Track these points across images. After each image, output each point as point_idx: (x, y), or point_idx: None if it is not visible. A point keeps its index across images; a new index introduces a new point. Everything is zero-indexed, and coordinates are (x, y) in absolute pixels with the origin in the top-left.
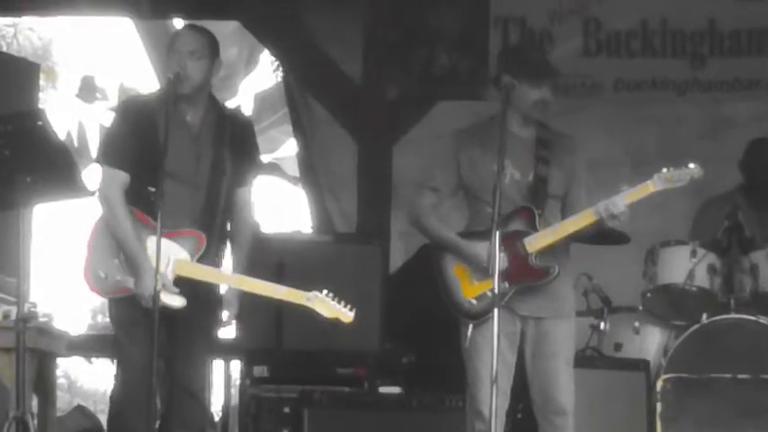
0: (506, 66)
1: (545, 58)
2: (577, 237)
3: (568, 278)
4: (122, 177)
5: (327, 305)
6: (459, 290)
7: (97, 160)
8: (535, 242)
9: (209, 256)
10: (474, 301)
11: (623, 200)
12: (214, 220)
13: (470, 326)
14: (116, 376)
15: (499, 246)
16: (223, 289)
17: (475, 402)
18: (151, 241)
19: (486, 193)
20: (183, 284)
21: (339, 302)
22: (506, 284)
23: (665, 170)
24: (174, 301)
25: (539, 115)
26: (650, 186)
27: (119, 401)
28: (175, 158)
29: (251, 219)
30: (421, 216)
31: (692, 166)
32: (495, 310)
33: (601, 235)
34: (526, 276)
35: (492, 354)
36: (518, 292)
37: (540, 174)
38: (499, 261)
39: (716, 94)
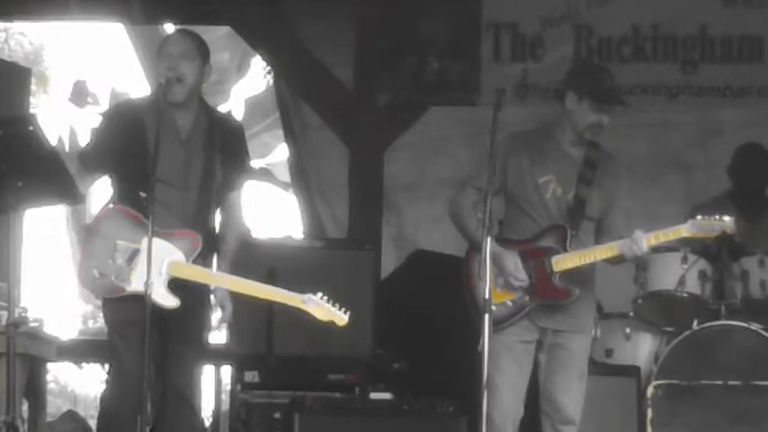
0: (574, 82)
1: (615, 84)
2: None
3: (591, 298)
4: (90, 179)
5: (322, 308)
6: (483, 293)
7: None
8: (561, 262)
9: (202, 259)
10: (494, 308)
11: (648, 242)
12: (206, 223)
13: None
14: (108, 378)
15: (526, 256)
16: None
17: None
18: (147, 242)
19: (528, 205)
20: (177, 287)
21: (333, 305)
22: (527, 298)
23: (699, 217)
24: (168, 301)
25: (591, 137)
26: (682, 230)
27: (111, 403)
28: (164, 163)
29: (240, 221)
30: (460, 214)
31: (726, 218)
32: (486, 317)
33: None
34: (547, 294)
35: (507, 358)
36: (539, 305)
37: (580, 194)
38: (519, 269)
39: (707, 100)
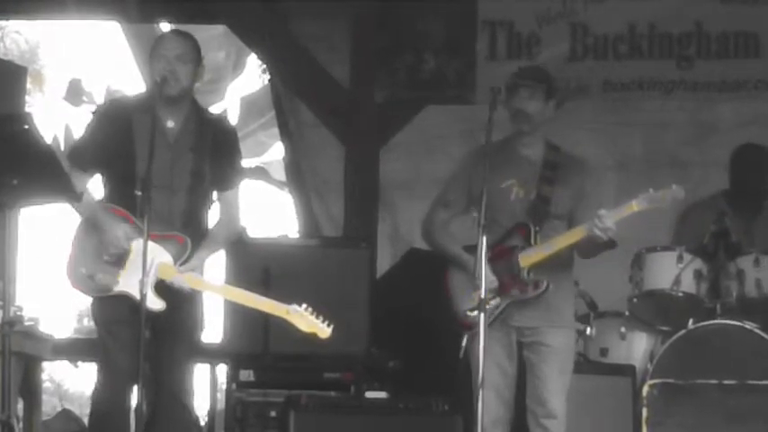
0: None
1: (529, 68)
2: (579, 252)
3: (567, 291)
4: (82, 177)
5: (306, 319)
6: (459, 302)
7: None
8: (528, 257)
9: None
10: (469, 313)
11: (609, 219)
12: (198, 225)
13: (465, 337)
14: (98, 377)
15: (494, 258)
16: (206, 293)
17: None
18: (138, 243)
19: (494, 211)
20: (166, 287)
21: (317, 317)
22: (498, 299)
23: (651, 191)
24: (154, 304)
25: (523, 126)
26: (633, 206)
27: (101, 401)
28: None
29: (234, 220)
30: (432, 232)
31: (674, 187)
32: (482, 315)
33: (594, 247)
34: (516, 289)
35: (487, 362)
36: (513, 304)
37: (542, 193)
38: (487, 272)
39: (702, 95)
